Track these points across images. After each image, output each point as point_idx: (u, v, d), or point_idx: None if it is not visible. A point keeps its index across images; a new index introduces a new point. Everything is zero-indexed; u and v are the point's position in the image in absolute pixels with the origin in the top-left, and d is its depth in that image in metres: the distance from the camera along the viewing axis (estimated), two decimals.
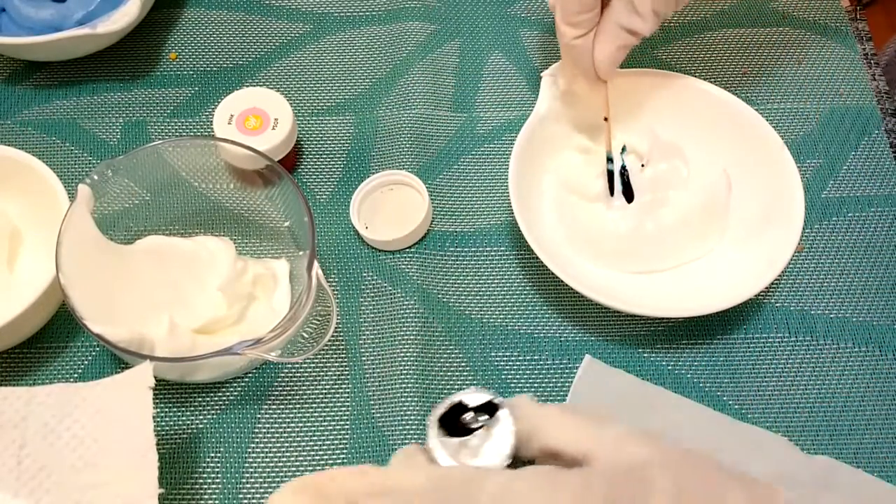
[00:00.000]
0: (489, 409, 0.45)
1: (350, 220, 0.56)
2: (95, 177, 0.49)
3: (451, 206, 0.58)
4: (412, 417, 0.50)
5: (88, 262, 0.47)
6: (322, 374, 0.52)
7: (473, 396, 0.45)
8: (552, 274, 0.49)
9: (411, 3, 0.67)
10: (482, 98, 0.63)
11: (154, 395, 0.42)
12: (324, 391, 0.52)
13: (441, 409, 0.45)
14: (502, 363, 0.53)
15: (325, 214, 0.58)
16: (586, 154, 0.57)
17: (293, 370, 0.52)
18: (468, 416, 0.45)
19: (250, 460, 0.50)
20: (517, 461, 0.48)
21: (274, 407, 0.51)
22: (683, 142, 0.56)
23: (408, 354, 0.52)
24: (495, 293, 0.55)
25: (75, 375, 0.52)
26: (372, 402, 0.51)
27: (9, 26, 0.61)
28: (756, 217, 0.53)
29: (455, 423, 0.45)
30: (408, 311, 0.54)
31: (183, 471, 0.49)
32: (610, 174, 0.56)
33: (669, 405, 0.50)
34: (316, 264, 0.46)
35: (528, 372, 0.53)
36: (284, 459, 0.50)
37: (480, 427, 0.45)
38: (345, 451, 0.50)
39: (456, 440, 0.45)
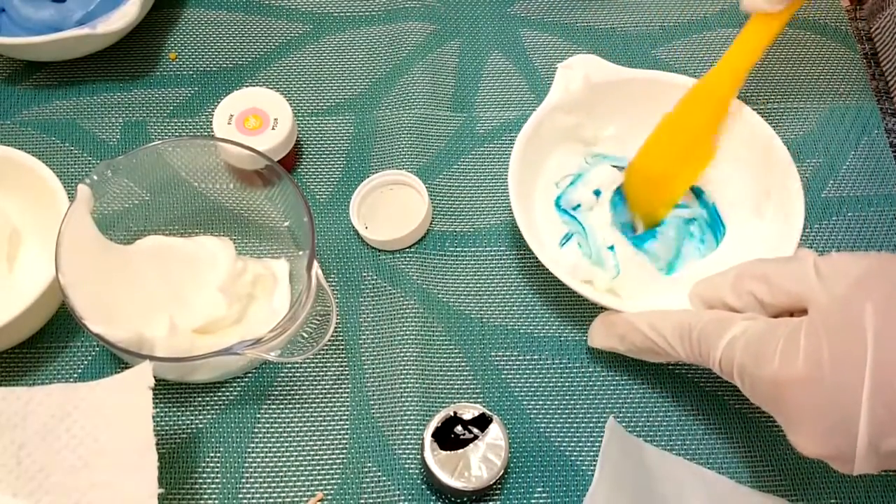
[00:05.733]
0: (481, 422, 0.46)
1: (350, 220, 0.56)
2: (95, 177, 0.49)
3: (451, 206, 0.58)
4: (412, 417, 0.50)
5: (88, 262, 0.47)
6: (322, 374, 0.52)
7: (466, 409, 0.46)
8: (552, 274, 0.49)
9: (411, 3, 0.67)
10: (482, 98, 0.63)
11: (154, 395, 0.42)
12: (323, 391, 0.52)
13: (435, 422, 0.46)
14: (502, 363, 0.53)
15: (325, 214, 0.58)
16: (590, 150, 0.57)
17: (293, 370, 0.52)
18: (460, 428, 0.46)
19: (250, 460, 0.50)
20: (508, 472, 0.49)
21: (274, 407, 0.51)
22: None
23: (408, 354, 0.52)
24: (495, 293, 0.55)
25: (75, 375, 0.52)
26: (372, 402, 0.51)
27: (9, 26, 0.61)
28: (755, 217, 0.53)
29: (449, 436, 0.46)
30: (408, 311, 0.54)
31: (183, 471, 0.49)
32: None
33: (686, 473, 0.50)
34: (315, 264, 0.46)
35: (528, 372, 0.53)
36: (284, 459, 0.50)
37: (473, 439, 0.46)
38: (344, 450, 0.50)
39: (450, 453, 0.45)
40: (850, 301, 0.38)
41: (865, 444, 0.36)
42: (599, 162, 0.56)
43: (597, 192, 0.55)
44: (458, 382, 0.52)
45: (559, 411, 0.51)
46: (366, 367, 0.52)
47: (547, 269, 0.49)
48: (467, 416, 0.46)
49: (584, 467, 0.50)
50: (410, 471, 0.49)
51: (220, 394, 0.51)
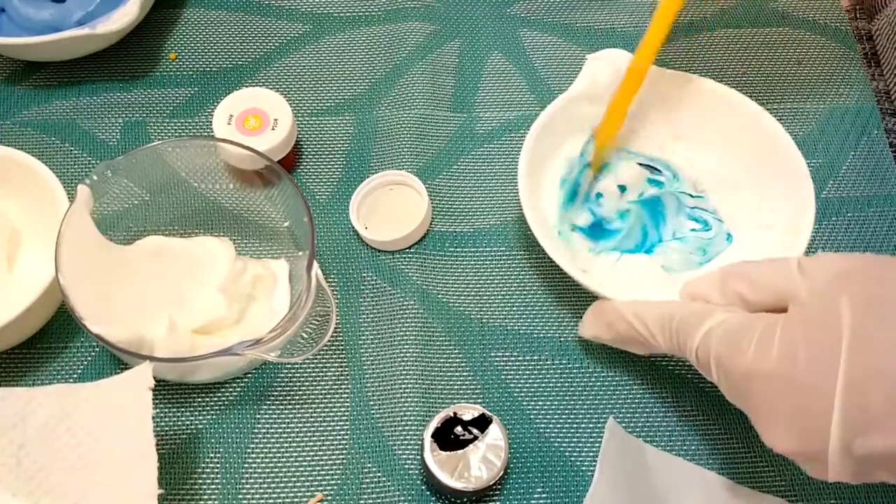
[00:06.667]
0: (481, 422, 0.46)
1: (350, 221, 0.56)
2: (95, 177, 0.49)
3: (451, 206, 0.58)
4: (412, 417, 0.50)
5: (88, 262, 0.47)
6: (322, 374, 0.52)
7: (466, 410, 0.46)
8: (552, 273, 0.49)
9: (411, 3, 0.67)
10: (482, 98, 0.63)
11: (154, 395, 0.42)
12: (323, 391, 0.52)
13: (435, 423, 0.46)
14: (502, 363, 0.53)
15: (325, 215, 0.58)
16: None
17: (293, 370, 0.52)
18: (460, 429, 0.46)
19: (250, 460, 0.50)
20: (508, 473, 0.49)
21: (274, 407, 0.51)
22: (687, 140, 0.56)
23: (407, 354, 0.52)
24: (495, 293, 0.55)
25: (75, 375, 0.52)
26: (371, 402, 0.51)
27: (9, 26, 0.61)
28: (764, 225, 0.53)
29: (448, 437, 0.46)
30: (407, 311, 0.54)
31: (183, 471, 0.49)
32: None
33: (686, 473, 0.50)
34: (315, 264, 0.46)
35: (527, 372, 0.53)
36: (284, 459, 0.50)
37: (473, 440, 0.46)
38: (344, 451, 0.50)
39: (450, 454, 0.45)
40: (829, 297, 0.38)
41: (838, 444, 0.36)
42: (625, 155, 0.56)
43: (622, 188, 0.55)
44: (458, 383, 0.52)
45: (559, 411, 0.51)
46: (366, 367, 0.52)
47: (547, 269, 0.49)
48: (467, 416, 0.46)
49: (583, 467, 0.50)
50: (410, 471, 0.49)
51: (220, 394, 0.51)
